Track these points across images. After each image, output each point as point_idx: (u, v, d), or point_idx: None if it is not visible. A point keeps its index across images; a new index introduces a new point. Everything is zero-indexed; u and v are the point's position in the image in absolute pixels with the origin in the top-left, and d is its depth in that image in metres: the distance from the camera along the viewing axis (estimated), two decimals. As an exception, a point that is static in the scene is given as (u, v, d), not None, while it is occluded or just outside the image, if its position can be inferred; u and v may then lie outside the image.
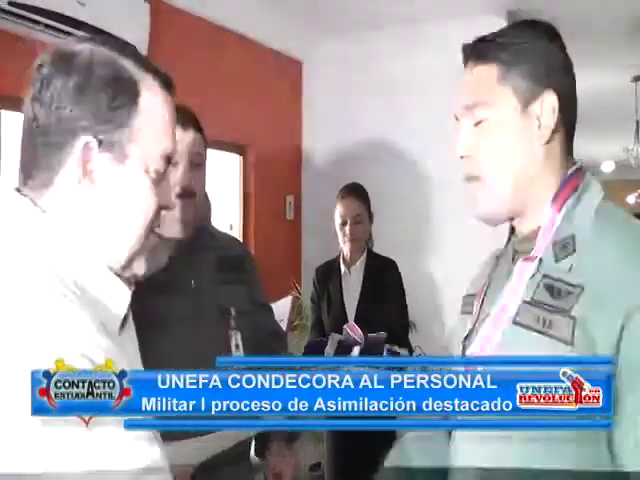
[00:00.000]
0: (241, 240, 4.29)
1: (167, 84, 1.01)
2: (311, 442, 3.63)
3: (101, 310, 0.94)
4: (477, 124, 1.15)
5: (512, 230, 1.25)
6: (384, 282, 3.14)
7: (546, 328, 1.04)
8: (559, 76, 1.15)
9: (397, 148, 4.46)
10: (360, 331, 2.88)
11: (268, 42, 4.42)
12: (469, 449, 1.13)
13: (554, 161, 1.15)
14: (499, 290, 1.16)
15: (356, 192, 3.20)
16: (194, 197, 1.80)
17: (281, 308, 3.46)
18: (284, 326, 3.14)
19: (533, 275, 1.10)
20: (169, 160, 1.01)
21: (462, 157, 1.18)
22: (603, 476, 1.04)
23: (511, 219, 1.20)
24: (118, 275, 0.99)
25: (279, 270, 4.37)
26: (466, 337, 1.20)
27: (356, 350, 2.82)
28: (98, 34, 2.81)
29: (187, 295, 1.80)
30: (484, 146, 1.15)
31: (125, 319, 1.01)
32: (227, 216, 4.29)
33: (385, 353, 2.79)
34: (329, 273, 3.26)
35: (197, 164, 1.82)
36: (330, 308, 3.20)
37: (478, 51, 1.17)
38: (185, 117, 1.82)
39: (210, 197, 2.87)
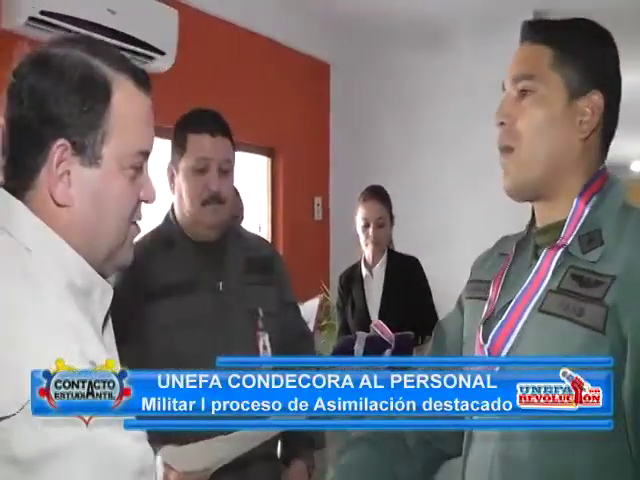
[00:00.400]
0: (269, 241, 4.35)
1: (142, 82, 1.02)
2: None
3: (88, 306, 0.96)
4: (522, 96, 1.16)
5: (532, 220, 1.26)
6: (406, 281, 3.14)
7: (576, 316, 1.05)
8: (610, 81, 1.17)
9: (422, 152, 4.48)
10: (388, 329, 2.91)
11: (296, 45, 4.47)
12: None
13: (588, 157, 1.17)
14: (520, 278, 1.17)
15: (378, 195, 3.20)
16: (223, 202, 1.85)
17: (309, 308, 3.50)
18: (312, 327, 3.18)
19: (559, 264, 1.12)
20: (147, 155, 1.02)
21: (500, 124, 1.19)
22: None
23: (536, 200, 1.21)
24: (101, 271, 1.01)
25: (308, 271, 4.41)
26: (484, 322, 1.20)
27: (387, 352, 2.85)
28: (128, 41, 2.91)
29: (215, 297, 1.84)
30: (524, 118, 1.16)
31: (107, 315, 1.03)
32: (256, 217, 4.34)
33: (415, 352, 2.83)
34: (352, 278, 3.28)
35: (226, 170, 1.86)
36: (354, 312, 3.21)
37: (537, 30, 1.19)
38: (215, 124, 1.87)
39: (243, 197, 2.92)
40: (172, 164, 1.89)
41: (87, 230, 0.98)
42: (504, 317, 1.17)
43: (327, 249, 4.81)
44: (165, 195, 1.86)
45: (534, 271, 1.16)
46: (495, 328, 1.17)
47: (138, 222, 1.06)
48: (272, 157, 4.47)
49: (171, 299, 1.79)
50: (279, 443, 2.04)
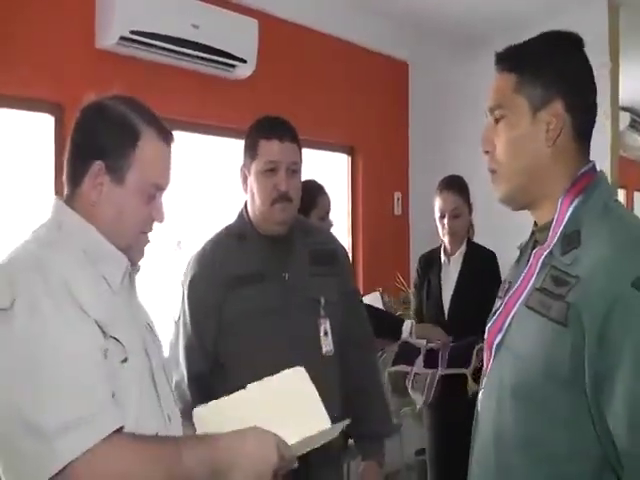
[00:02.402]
0: (349, 235, 4.53)
1: (165, 135, 1.39)
2: (416, 429, 3.79)
3: (105, 269, 1.32)
4: (497, 123, 1.31)
5: (535, 222, 1.38)
6: (482, 274, 3.11)
7: (547, 311, 1.18)
8: (571, 85, 1.27)
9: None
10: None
11: (374, 46, 4.59)
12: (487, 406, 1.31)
13: (564, 160, 1.28)
14: (520, 276, 1.32)
15: (453, 186, 3.21)
16: (291, 201, 2.03)
17: (371, 301, 3.62)
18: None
19: (544, 265, 1.25)
20: (161, 188, 1.40)
21: (486, 152, 1.35)
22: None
23: (528, 207, 1.35)
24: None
25: (388, 265, 4.55)
26: (492, 315, 1.36)
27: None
28: (211, 52, 3.12)
29: (282, 286, 2.04)
30: (499, 143, 1.31)
31: (123, 279, 1.36)
32: (336, 213, 4.49)
33: (475, 351, 2.86)
34: (431, 261, 3.33)
35: (293, 171, 2.05)
36: (429, 296, 3.26)
37: (502, 60, 1.33)
38: (283, 130, 2.06)
39: (330, 193, 3.04)
40: (245, 167, 2.09)
41: (107, 227, 1.34)
42: (499, 311, 1.33)
43: (407, 243, 4.90)
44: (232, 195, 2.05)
45: (525, 270, 1.30)
46: (492, 320, 1.34)
47: (149, 233, 1.42)
48: (352, 155, 4.62)
49: (246, 287, 2.00)
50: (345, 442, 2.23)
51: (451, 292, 3.18)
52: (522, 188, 1.31)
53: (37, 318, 1.15)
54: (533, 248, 1.34)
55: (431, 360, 3.07)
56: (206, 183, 3.86)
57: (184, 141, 3.78)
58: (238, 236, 2.09)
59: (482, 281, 3.03)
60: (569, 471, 1.17)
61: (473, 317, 2.74)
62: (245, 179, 2.09)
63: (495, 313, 1.35)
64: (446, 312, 3.18)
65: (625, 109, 6.49)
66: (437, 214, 3.21)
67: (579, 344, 1.12)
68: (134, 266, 1.42)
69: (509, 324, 1.28)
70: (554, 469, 1.18)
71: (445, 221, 3.17)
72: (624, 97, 4.72)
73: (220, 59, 3.41)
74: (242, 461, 1.26)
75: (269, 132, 2.04)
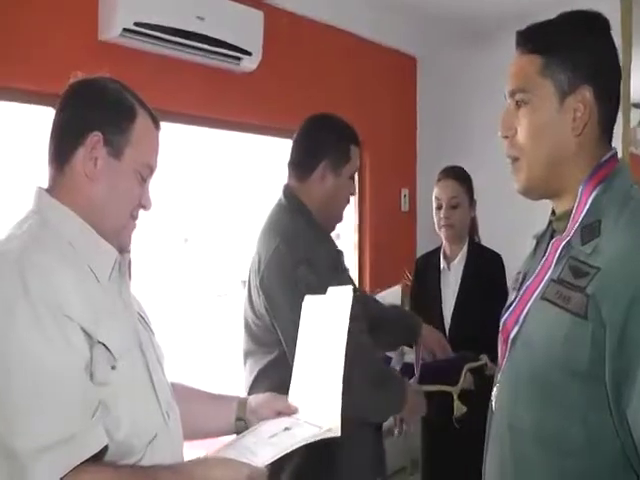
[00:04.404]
0: (356, 232, 4.49)
1: (155, 120, 1.39)
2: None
3: (93, 261, 1.27)
4: (519, 107, 1.25)
5: (553, 210, 1.33)
6: (486, 279, 2.78)
7: (565, 303, 1.13)
8: (600, 71, 1.21)
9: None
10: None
11: (383, 40, 4.54)
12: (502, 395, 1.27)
13: (588, 150, 1.22)
14: (537, 266, 1.26)
15: (452, 174, 2.88)
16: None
17: (392, 295, 3.58)
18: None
19: (562, 255, 1.19)
20: (151, 172, 1.37)
21: (504, 137, 1.28)
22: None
23: (548, 197, 1.29)
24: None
25: (395, 261, 4.50)
26: (507, 308, 1.30)
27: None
28: (216, 44, 3.09)
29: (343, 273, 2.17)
30: (521, 129, 1.24)
31: (112, 272, 1.31)
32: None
33: (465, 371, 2.40)
34: (428, 265, 3.00)
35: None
36: (427, 309, 2.83)
37: (525, 40, 1.26)
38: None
39: None
40: (331, 166, 2.14)
41: (99, 206, 1.29)
42: (515, 303, 1.27)
43: (414, 240, 4.86)
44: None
45: (542, 262, 1.24)
46: (507, 313, 1.28)
47: (136, 221, 1.38)
48: (359, 149, 4.55)
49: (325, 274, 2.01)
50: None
51: (452, 307, 2.83)
52: (544, 178, 1.25)
53: (12, 332, 1.09)
54: (551, 238, 1.28)
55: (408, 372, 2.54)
56: (213, 178, 3.83)
57: (189, 135, 3.75)
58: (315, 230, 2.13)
59: (487, 291, 2.71)
60: (586, 464, 1.13)
61: (476, 334, 2.43)
62: (323, 177, 2.12)
63: (510, 306, 1.29)
64: (447, 328, 2.81)
65: (636, 105, 6.41)
66: (434, 205, 2.88)
67: (599, 337, 1.08)
68: (123, 254, 1.37)
69: (525, 316, 1.23)
70: (570, 462, 1.14)
71: (441, 212, 2.83)
72: (635, 95, 4.65)
73: (225, 51, 3.36)
74: None
75: (357, 139, 2.30)
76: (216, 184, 3.75)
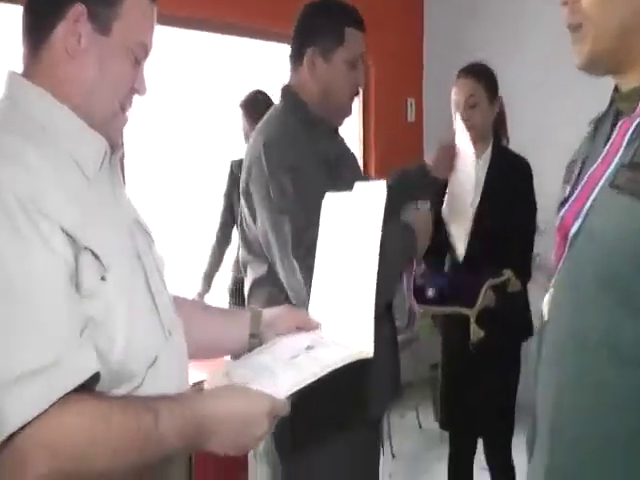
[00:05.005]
0: (361, 142, 4.35)
1: None
2: (432, 343, 3.68)
3: (76, 151, 1.08)
4: None
5: (615, 89, 1.17)
6: (511, 186, 2.55)
7: (639, 190, 0.98)
8: None
9: (522, 51, 4.23)
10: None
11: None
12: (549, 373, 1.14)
13: None
14: (599, 152, 1.11)
15: (472, 71, 2.63)
16: None
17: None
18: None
19: (633, 137, 1.04)
20: (146, 53, 1.16)
21: (564, 4, 1.10)
22: None
23: (613, 73, 1.13)
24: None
25: (400, 174, 4.36)
26: (562, 203, 1.15)
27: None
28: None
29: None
30: None
31: (102, 164, 1.13)
32: (347, 120, 4.29)
33: (486, 288, 2.32)
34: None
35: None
36: (439, 221, 2.50)
37: None
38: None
39: None
40: (320, 50, 1.87)
41: (85, 90, 1.09)
42: (575, 194, 1.11)
43: (421, 151, 4.68)
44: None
45: (608, 145, 1.08)
46: (566, 206, 1.12)
47: (127, 113, 1.17)
48: (361, 33, 4.37)
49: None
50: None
51: (474, 209, 2.48)
52: (613, 50, 1.08)
53: None
54: (615, 119, 1.12)
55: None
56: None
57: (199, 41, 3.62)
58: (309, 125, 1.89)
59: (511, 196, 2.51)
60: None
61: (498, 248, 2.39)
62: (313, 64, 1.87)
63: (568, 199, 1.13)
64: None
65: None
66: (453, 108, 2.60)
67: None
68: (114, 149, 1.16)
69: (589, 208, 1.07)
70: None
71: (460, 114, 2.51)
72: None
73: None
74: (223, 429, 1.06)
75: (359, 23, 1.98)
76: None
